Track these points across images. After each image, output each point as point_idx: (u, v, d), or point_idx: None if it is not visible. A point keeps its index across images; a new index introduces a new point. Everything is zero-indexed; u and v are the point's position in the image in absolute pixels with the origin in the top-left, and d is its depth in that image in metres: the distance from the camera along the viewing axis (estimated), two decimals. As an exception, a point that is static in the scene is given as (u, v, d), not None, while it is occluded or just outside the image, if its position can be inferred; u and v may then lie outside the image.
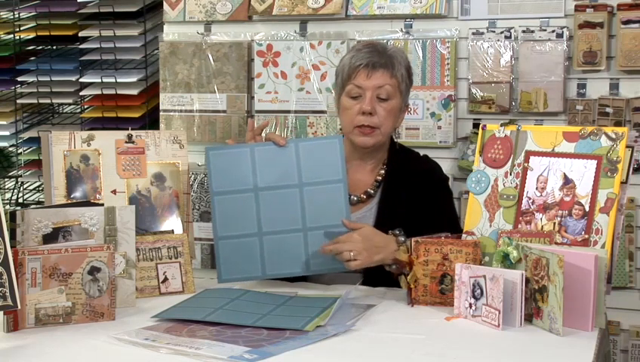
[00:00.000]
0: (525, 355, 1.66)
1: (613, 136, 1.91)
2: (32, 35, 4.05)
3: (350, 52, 2.38)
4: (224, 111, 3.49)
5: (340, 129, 2.43)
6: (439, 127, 3.24)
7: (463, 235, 2.04)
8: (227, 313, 1.85)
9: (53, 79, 3.86)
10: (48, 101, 3.97)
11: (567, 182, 1.94)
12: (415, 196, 2.30)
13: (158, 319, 1.85)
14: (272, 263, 2.12)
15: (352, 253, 2.05)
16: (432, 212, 2.28)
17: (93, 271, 1.85)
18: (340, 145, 2.15)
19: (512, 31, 3.16)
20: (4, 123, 4.04)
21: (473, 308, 1.84)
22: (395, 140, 2.43)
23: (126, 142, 2.21)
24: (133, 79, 3.73)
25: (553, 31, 3.11)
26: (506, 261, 1.87)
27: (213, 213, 2.12)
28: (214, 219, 2.12)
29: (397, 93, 2.30)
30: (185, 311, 1.89)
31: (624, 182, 1.90)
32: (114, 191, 2.17)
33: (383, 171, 2.36)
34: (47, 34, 3.93)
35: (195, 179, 3.42)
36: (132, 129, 2.25)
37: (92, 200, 2.12)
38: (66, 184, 2.14)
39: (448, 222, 2.26)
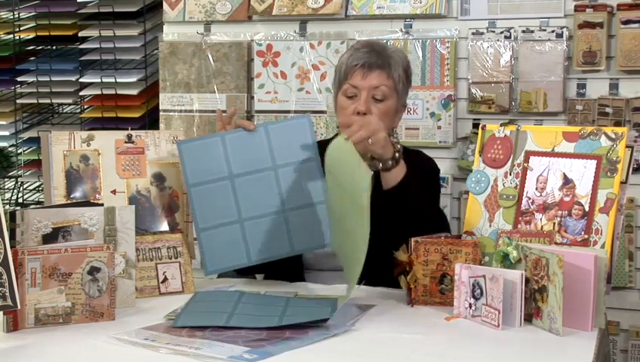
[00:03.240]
0: (525, 355, 1.66)
1: (613, 136, 1.91)
2: (31, 35, 4.06)
3: (349, 51, 2.38)
4: (224, 112, 3.49)
5: (338, 127, 2.43)
6: (439, 127, 3.24)
7: (463, 235, 2.05)
8: (244, 317, 1.83)
9: (52, 79, 3.86)
10: (48, 101, 3.98)
11: (566, 182, 1.94)
12: None
13: (166, 319, 1.84)
14: (257, 248, 2.11)
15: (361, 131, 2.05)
16: None
17: (93, 271, 1.85)
18: (310, 125, 2.15)
19: (511, 31, 3.16)
20: (4, 123, 4.05)
21: (473, 308, 1.84)
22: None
23: (126, 142, 2.21)
24: (133, 79, 3.73)
25: (553, 31, 3.11)
26: (505, 261, 1.87)
27: (191, 205, 2.12)
28: (194, 212, 2.11)
29: (393, 94, 2.30)
30: (203, 318, 1.84)
31: (624, 182, 1.90)
32: (114, 191, 2.17)
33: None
34: (47, 34, 3.94)
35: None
36: (132, 129, 2.25)
37: (92, 201, 2.12)
38: (66, 184, 2.14)
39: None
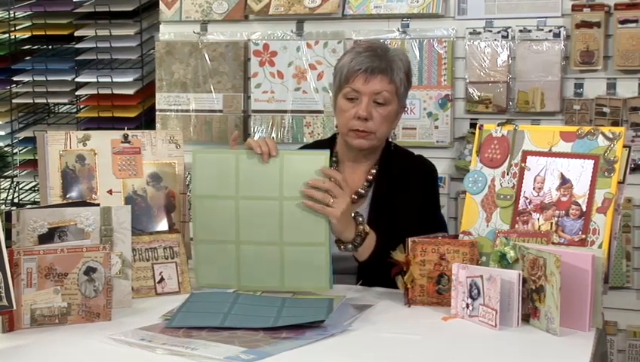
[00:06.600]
0: (522, 355, 1.66)
1: (611, 135, 1.91)
2: (27, 35, 4.06)
3: (350, 53, 2.35)
4: (220, 111, 3.49)
5: (336, 126, 2.43)
6: (436, 127, 3.24)
7: (460, 235, 2.04)
8: (239, 318, 1.82)
9: (48, 79, 3.85)
10: (44, 101, 3.97)
11: (564, 182, 1.94)
12: (404, 193, 2.30)
13: (162, 320, 1.83)
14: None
15: (331, 200, 2.02)
16: (413, 209, 2.29)
17: (89, 271, 1.84)
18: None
19: (509, 30, 3.16)
20: (0, 123, 4.03)
21: (470, 308, 1.84)
22: (391, 141, 2.42)
23: (122, 142, 2.20)
24: (129, 79, 3.73)
25: (550, 30, 3.11)
26: (503, 261, 1.87)
27: (193, 215, 2.09)
28: (194, 222, 2.08)
29: (394, 98, 2.30)
30: (199, 318, 1.83)
31: (621, 182, 1.89)
32: (110, 191, 2.17)
33: (374, 171, 2.36)
34: (43, 33, 3.94)
35: (191, 179, 3.42)
36: (128, 129, 2.25)
37: (88, 201, 2.11)
38: (62, 184, 2.13)
39: (425, 221, 2.27)
